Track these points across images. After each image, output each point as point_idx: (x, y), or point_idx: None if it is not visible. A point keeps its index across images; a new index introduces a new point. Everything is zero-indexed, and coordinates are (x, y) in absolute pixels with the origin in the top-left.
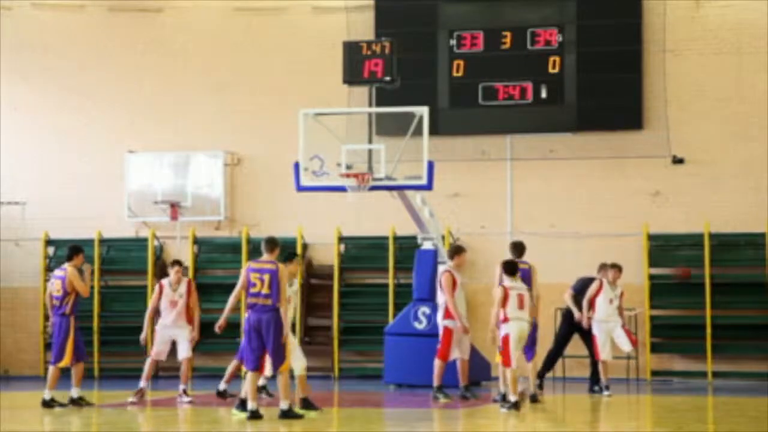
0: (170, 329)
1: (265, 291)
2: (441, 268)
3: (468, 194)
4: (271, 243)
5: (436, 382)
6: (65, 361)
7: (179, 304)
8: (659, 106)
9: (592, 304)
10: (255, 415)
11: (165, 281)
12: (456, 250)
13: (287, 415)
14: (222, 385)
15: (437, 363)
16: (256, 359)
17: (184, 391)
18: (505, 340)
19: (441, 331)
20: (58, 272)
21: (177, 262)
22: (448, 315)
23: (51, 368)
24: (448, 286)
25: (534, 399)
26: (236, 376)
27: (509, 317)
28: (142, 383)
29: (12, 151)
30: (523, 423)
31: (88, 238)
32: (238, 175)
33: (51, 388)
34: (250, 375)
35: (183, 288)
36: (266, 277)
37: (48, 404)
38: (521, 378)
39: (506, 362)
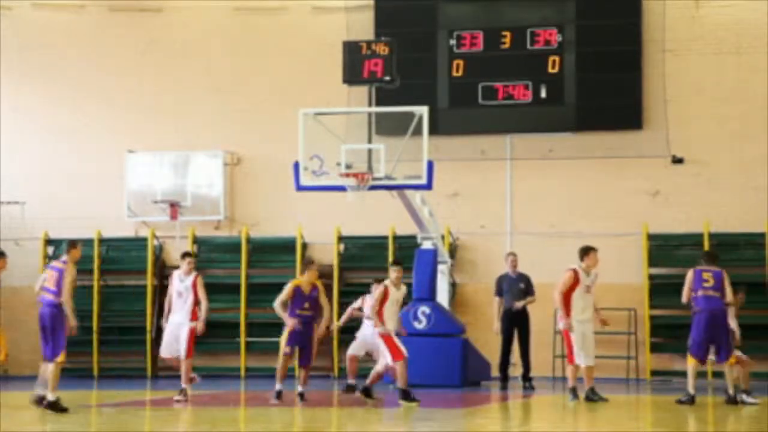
0: (176, 326)
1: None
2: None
3: (468, 194)
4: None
5: (571, 384)
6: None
7: (185, 297)
8: (659, 105)
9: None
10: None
11: (175, 272)
12: (586, 250)
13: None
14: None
15: (570, 368)
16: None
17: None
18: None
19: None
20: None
21: (187, 254)
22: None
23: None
24: (566, 284)
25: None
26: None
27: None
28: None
29: (12, 151)
30: (523, 423)
31: (88, 238)
32: (238, 174)
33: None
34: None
35: (189, 280)
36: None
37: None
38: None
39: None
